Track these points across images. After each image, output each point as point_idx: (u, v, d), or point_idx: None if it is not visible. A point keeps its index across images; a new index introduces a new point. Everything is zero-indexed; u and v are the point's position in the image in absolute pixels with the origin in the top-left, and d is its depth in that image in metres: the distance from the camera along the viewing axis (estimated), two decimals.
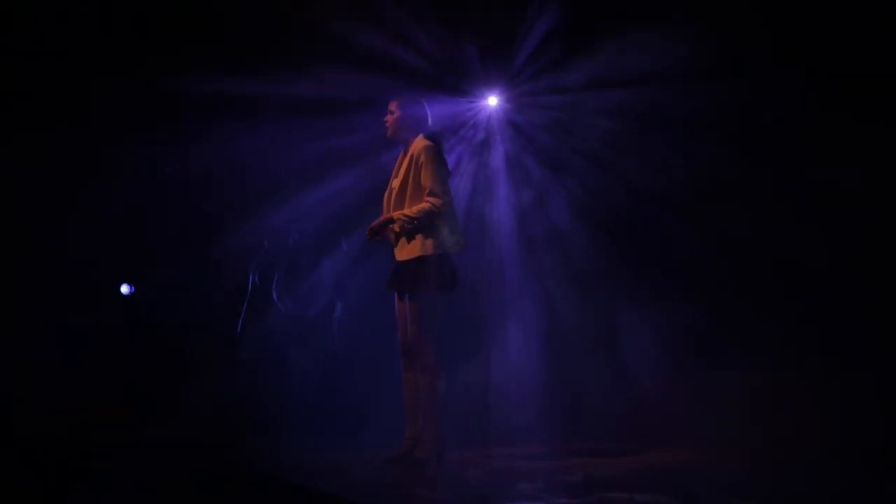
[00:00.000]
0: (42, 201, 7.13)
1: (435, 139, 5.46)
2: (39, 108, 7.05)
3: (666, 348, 6.46)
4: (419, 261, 5.30)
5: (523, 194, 7.19)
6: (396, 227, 5.33)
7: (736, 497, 4.55)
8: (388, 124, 5.50)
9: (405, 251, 5.34)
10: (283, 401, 6.73)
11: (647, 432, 6.20)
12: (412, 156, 5.38)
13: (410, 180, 5.35)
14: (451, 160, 7.05)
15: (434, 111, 5.63)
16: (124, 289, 7.59)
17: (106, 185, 7.26)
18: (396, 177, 5.47)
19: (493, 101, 7.26)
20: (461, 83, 7.11)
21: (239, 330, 7.13)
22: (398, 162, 5.55)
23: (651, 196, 6.67)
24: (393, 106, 5.50)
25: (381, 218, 5.41)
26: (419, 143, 5.41)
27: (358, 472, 5.31)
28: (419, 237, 5.31)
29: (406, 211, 5.32)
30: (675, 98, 6.35)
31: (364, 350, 7.02)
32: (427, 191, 5.30)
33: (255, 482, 5.05)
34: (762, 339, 6.14)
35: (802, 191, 6.07)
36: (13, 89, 6.98)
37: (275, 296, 7.16)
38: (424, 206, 5.28)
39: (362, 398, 6.84)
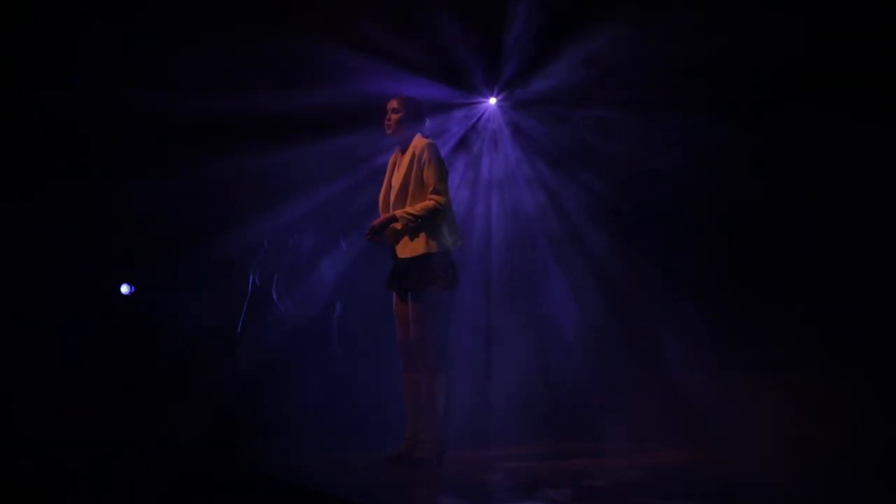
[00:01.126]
0: (42, 201, 7.12)
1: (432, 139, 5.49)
2: (41, 110, 7.04)
3: (667, 349, 6.46)
4: (424, 259, 5.29)
5: (524, 193, 7.18)
6: (399, 226, 5.32)
7: (737, 497, 4.55)
8: (390, 123, 5.47)
9: (408, 249, 5.33)
10: (283, 401, 6.72)
11: (648, 433, 6.19)
12: (414, 154, 5.37)
13: (413, 178, 5.34)
14: (451, 161, 7.10)
15: (434, 112, 5.65)
16: (124, 289, 7.58)
17: (107, 185, 7.25)
18: (395, 175, 5.46)
19: (492, 100, 7.26)
20: (460, 84, 7.11)
21: (239, 330, 7.13)
22: (393, 161, 5.54)
23: (651, 194, 6.67)
24: (395, 104, 5.48)
25: (382, 217, 5.40)
26: (420, 141, 5.41)
27: (358, 472, 5.31)
28: (422, 235, 5.30)
29: (409, 209, 5.31)
30: (675, 99, 6.36)
31: (364, 350, 7.01)
32: (431, 188, 5.30)
33: (255, 482, 5.05)
34: (763, 340, 6.13)
35: (804, 190, 6.07)
36: (14, 91, 6.98)
37: (275, 296, 7.16)
38: (429, 203, 5.28)
39: (362, 398, 6.83)
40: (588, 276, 6.90)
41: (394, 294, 5.48)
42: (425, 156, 5.33)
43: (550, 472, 5.25)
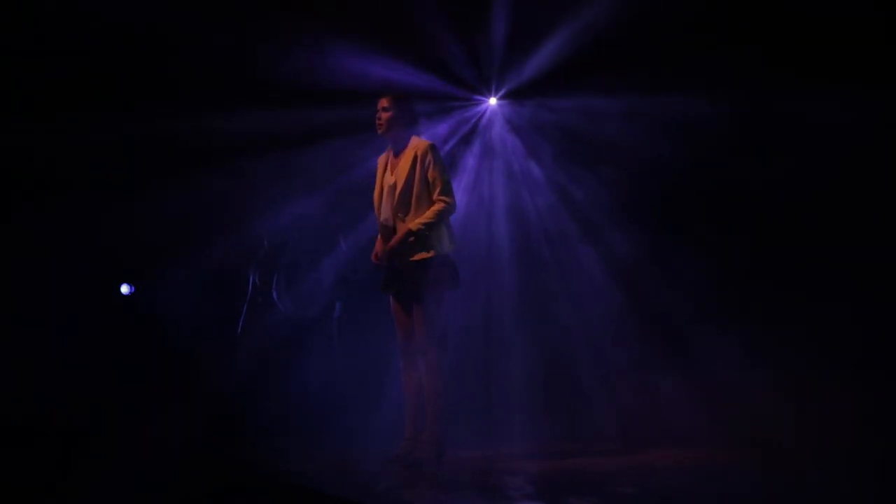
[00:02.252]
0: (42, 201, 7.13)
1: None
2: (42, 113, 7.04)
3: (667, 349, 6.46)
4: (428, 261, 5.28)
5: (526, 190, 7.18)
6: (413, 238, 5.28)
7: (737, 497, 4.55)
8: (381, 121, 5.42)
9: (419, 252, 5.30)
10: (283, 401, 6.72)
11: (646, 432, 6.19)
12: (416, 155, 5.34)
13: (417, 179, 5.32)
14: (452, 162, 7.09)
15: (430, 113, 5.63)
16: (124, 289, 7.58)
17: (106, 185, 7.26)
18: (391, 175, 5.42)
19: (492, 100, 7.27)
20: (459, 84, 7.12)
21: (239, 331, 7.13)
22: (384, 162, 5.51)
23: (651, 194, 6.67)
24: (386, 103, 5.43)
25: (399, 235, 5.29)
26: (421, 142, 5.39)
27: (358, 472, 5.31)
28: (427, 238, 5.28)
29: (421, 219, 5.27)
30: (676, 85, 6.36)
31: (364, 350, 7.01)
32: (439, 190, 5.29)
33: (255, 482, 5.05)
34: (763, 340, 6.13)
35: (806, 190, 6.07)
36: (15, 95, 6.99)
37: (275, 296, 7.16)
38: (439, 206, 5.28)
39: (362, 398, 6.83)
40: (590, 274, 6.90)
41: (391, 296, 5.48)
42: (429, 157, 5.32)
43: (548, 471, 5.25)
